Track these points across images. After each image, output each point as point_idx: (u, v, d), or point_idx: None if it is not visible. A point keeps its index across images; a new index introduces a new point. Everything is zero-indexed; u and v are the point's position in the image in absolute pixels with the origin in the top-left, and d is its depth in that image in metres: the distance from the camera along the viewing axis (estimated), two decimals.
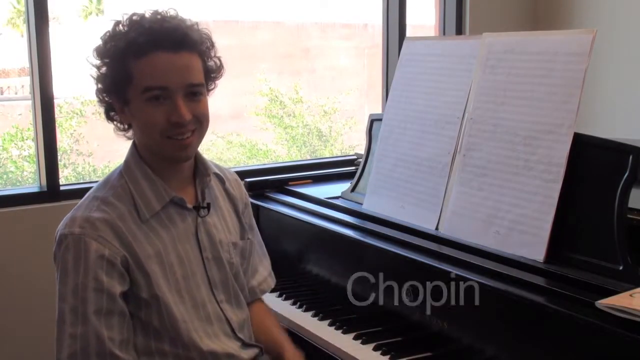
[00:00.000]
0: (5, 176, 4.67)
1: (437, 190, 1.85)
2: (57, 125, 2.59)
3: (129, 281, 1.46)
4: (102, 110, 1.56)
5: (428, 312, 1.66)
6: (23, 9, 2.93)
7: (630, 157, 1.48)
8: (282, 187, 2.40)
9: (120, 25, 1.49)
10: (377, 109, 3.49)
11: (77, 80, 5.07)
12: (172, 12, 1.51)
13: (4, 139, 4.70)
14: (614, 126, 3.20)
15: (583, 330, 1.33)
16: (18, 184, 4.61)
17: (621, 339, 1.26)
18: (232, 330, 1.60)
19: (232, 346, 1.58)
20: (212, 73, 1.56)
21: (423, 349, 1.66)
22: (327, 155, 5.19)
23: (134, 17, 1.48)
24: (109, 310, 1.42)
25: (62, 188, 2.56)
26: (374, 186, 2.05)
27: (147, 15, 1.48)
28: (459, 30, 3.39)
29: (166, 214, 1.53)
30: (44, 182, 2.56)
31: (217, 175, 1.66)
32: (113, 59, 1.46)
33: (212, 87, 1.58)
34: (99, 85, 1.52)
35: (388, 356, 1.65)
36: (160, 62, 1.44)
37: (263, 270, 1.80)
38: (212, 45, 1.55)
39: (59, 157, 2.59)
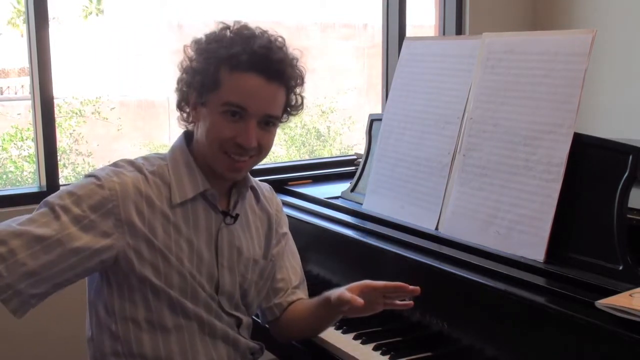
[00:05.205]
0: (5, 176, 4.67)
1: (437, 190, 1.85)
2: (57, 125, 2.59)
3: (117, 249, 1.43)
4: (175, 98, 1.56)
5: (428, 312, 1.66)
6: (23, 9, 2.93)
7: (630, 157, 1.48)
8: (282, 187, 2.40)
9: (228, 31, 1.50)
10: (377, 109, 3.48)
11: (77, 80, 5.08)
12: (280, 40, 1.52)
13: (4, 139, 4.70)
14: (614, 126, 3.20)
15: (583, 330, 1.33)
16: (18, 184, 4.61)
17: (621, 339, 1.26)
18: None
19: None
20: (290, 108, 1.58)
21: (423, 349, 1.66)
22: (326, 155, 5.19)
23: (245, 32, 1.49)
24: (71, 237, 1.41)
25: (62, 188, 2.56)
26: (374, 186, 2.05)
27: (258, 33, 1.49)
28: (459, 30, 3.39)
29: (193, 208, 1.51)
30: (43, 182, 2.56)
31: (253, 189, 1.65)
32: (209, 61, 1.47)
33: (286, 120, 1.59)
34: (184, 76, 1.52)
35: (388, 356, 1.65)
36: (250, 84, 1.45)
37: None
38: (302, 82, 1.57)
39: (58, 157, 2.58)
